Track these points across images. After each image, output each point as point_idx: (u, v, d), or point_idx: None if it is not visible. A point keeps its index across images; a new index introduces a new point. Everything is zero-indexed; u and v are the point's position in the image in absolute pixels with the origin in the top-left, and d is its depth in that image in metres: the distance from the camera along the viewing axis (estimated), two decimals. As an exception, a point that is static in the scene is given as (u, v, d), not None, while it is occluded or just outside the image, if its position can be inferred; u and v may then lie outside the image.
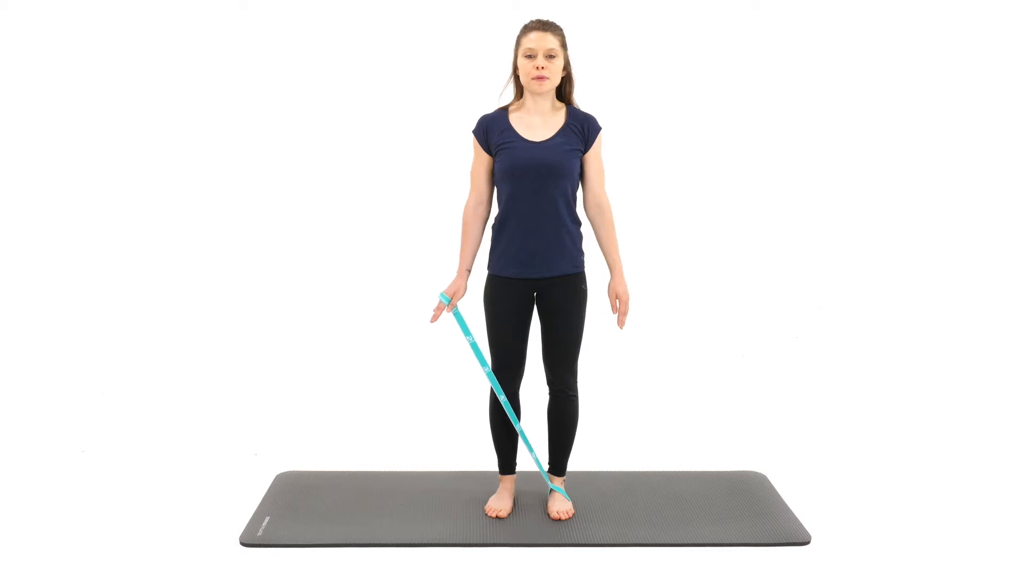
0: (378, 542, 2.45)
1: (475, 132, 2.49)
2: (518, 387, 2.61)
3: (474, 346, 2.53)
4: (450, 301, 2.51)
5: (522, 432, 2.62)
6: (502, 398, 2.55)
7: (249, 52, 4.25)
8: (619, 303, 2.54)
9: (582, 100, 2.53)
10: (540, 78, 2.38)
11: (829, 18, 4.34)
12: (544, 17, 2.44)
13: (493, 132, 2.45)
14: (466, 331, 2.53)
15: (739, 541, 2.46)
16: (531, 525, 2.56)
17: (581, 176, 2.51)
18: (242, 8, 4.24)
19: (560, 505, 2.62)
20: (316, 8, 4.25)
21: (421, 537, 2.47)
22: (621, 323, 2.55)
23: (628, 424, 3.45)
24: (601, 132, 2.48)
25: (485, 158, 2.49)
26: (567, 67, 2.46)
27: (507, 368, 2.56)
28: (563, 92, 2.49)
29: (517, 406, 2.63)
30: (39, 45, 4.19)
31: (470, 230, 2.53)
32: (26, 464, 3.02)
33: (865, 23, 4.34)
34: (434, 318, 2.53)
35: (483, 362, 2.54)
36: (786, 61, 4.36)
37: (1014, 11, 4.33)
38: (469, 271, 2.55)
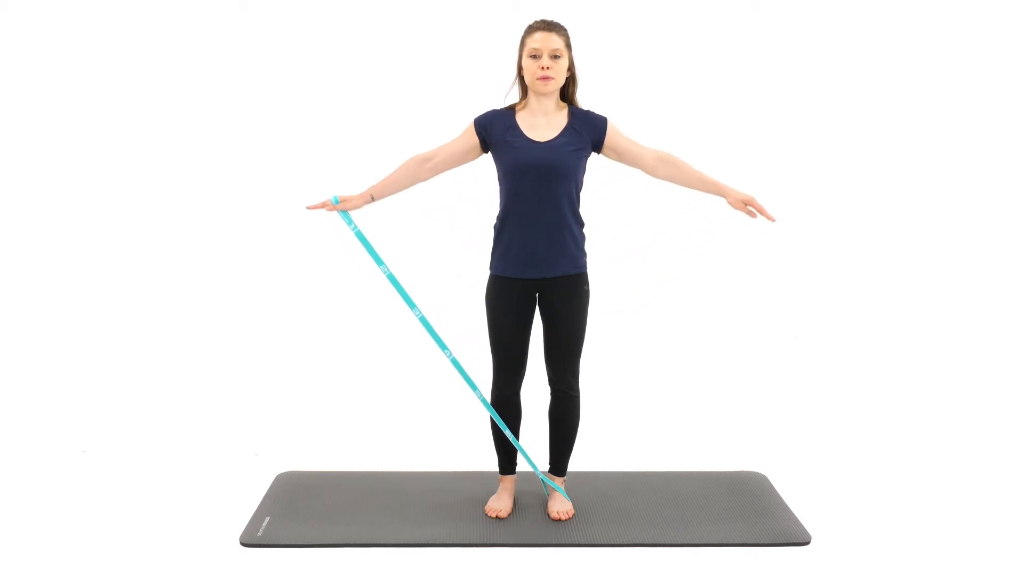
0: (378, 542, 2.45)
1: (477, 120, 2.48)
2: (519, 387, 2.61)
3: (391, 277, 2.48)
4: (339, 203, 2.47)
5: (513, 439, 2.61)
6: (448, 354, 2.52)
7: (249, 52, 4.25)
8: (752, 206, 2.47)
9: (585, 100, 2.53)
10: (545, 78, 2.38)
11: (829, 18, 4.34)
12: (548, 17, 2.44)
13: (496, 128, 2.45)
14: (375, 256, 2.48)
15: (739, 541, 2.46)
16: (531, 525, 2.56)
17: (623, 159, 2.49)
18: (242, 8, 4.24)
19: (560, 505, 2.62)
20: (317, 9, 4.25)
21: (421, 537, 2.47)
22: (770, 216, 2.45)
23: (628, 424, 3.45)
24: (610, 121, 2.48)
25: (468, 143, 2.47)
26: (571, 67, 2.46)
27: (508, 368, 2.56)
28: (567, 92, 2.49)
29: (518, 406, 2.63)
30: (38, 45, 4.19)
31: (402, 174, 2.51)
32: (26, 464, 3.01)
33: (865, 23, 4.34)
34: (312, 206, 2.49)
35: (403, 294, 2.49)
36: (786, 61, 4.36)
37: (1014, 11, 4.33)
38: (373, 199, 2.51)
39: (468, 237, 3.60)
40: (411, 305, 2.52)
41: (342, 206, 2.49)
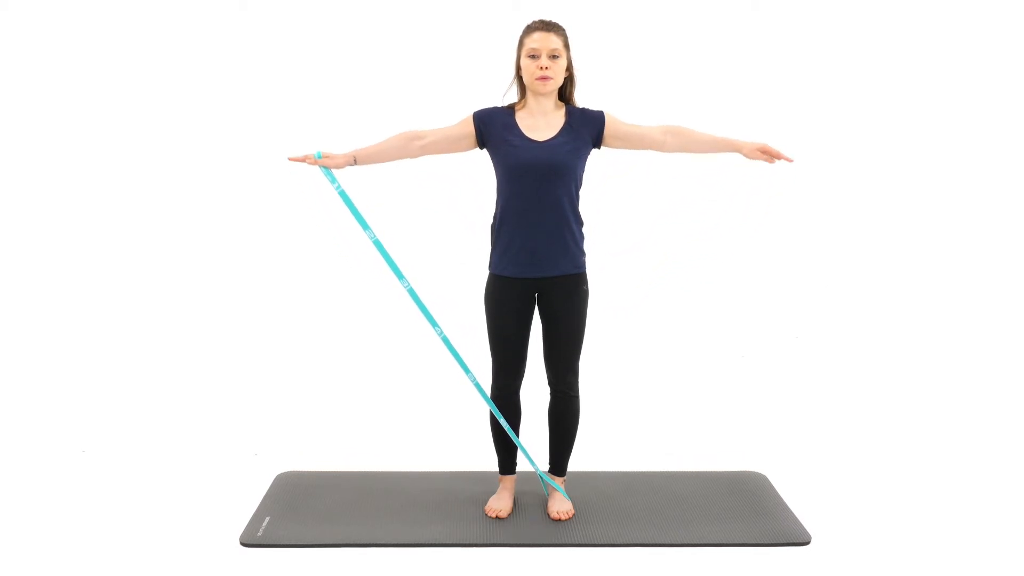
0: (378, 542, 2.45)
1: (476, 113, 2.48)
2: (519, 387, 2.61)
3: (376, 242, 2.45)
4: (321, 157, 2.44)
5: (516, 438, 2.61)
6: (439, 332, 2.51)
7: (249, 51, 4.25)
8: (767, 152, 2.47)
9: (584, 100, 2.53)
10: (544, 78, 2.38)
11: (829, 18, 4.34)
12: (546, 18, 2.44)
13: (495, 126, 2.44)
14: (360, 220, 2.44)
15: (739, 541, 2.46)
16: (531, 525, 2.56)
17: (631, 144, 2.49)
18: (242, 8, 4.24)
19: (560, 505, 2.62)
20: (316, 9, 4.24)
21: (421, 537, 2.47)
22: (788, 157, 2.47)
23: (628, 424, 3.45)
24: (606, 113, 2.47)
25: (463, 132, 2.47)
26: (570, 67, 2.46)
27: (508, 368, 2.56)
28: (565, 92, 2.49)
29: (518, 406, 2.63)
30: (36, 44, 4.19)
31: (390, 145, 2.49)
32: (26, 464, 3.01)
33: (865, 23, 4.34)
34: (293, 158, 2.46)
35: (391, 263, 2.46)
36: (785, 61, 4.36)
37: (1014, 11, 4.33)
38: (356, 162, 2.49)
39: (469, 234, 3.60)
40: (399, 276, 2.49)
41: (324, 162, 2.45)
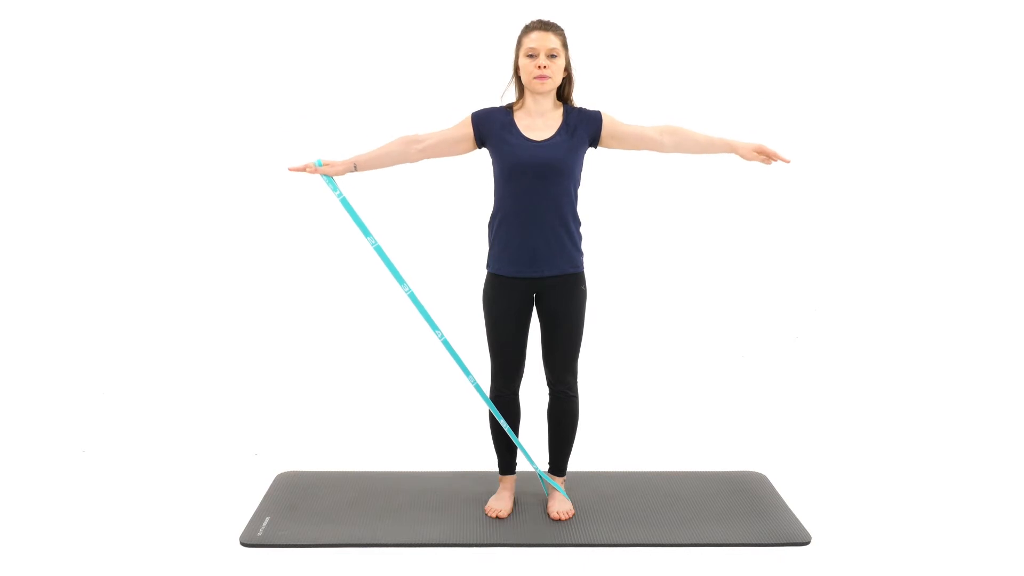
0: (378, 542, 2.45)
1: (474, 114, 2.48)
2: (518, 387, 2.61)
3: (377, 248, 2.46)
4: (322, 165, 2.46)
5: (515, 438, 2.61)
6: (440, 335, 2.52)
7: (248, 51, 4.25)
8: (764, 152, 2.48)
9: (582, 100, 2.53)
10: (542, 77, 2.38)
11: (829, 18, 4.34)
12: (545, 17, 2.44)
13: (494, 125, 2.45)
14: (361, 226, 2.46)
15: (739, 541, 2.46)
16: (531, 525, 2.56)
17: (629, 144, 2.50)
18: (242, 5, 4.23)
19: (560, 505, 2.62)
20: (315, 8, 4.24)
21: (421, 537, 2.47)
22: (786, 159, 2.48)
23: (628, 424, 3.45)
24: (603, 112, 2.48)
25: (461, 134, 2.47)
26: (568, 67, 2.46)
27: (507, 368, 2.56)
28: (563, 92, 2.49)
29: (517, 406, 2.63)
30: (32, 48, 4.19)
31: (389, 150, 2.50)
32: (26, 464, 3.02)
33: (865, 23, 4.34)
34: (293, 168, 2.48)
35: (392, 268, 2.47)
36: (785, 61, 4.36)
37: (1014, 11, 4.33)
38: (356, 168, 2.50)
39: (467, 233, 3.60)
40: (400, 281, 2.49)
41: (324, 170, 2.47)
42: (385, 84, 4.28)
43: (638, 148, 2.52)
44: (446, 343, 2.54)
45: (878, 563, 2.36)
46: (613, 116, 2.49)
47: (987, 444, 3.24)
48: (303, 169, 2.47)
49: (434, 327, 2.53)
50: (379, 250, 2.48)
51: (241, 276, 4.33)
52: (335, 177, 2.48)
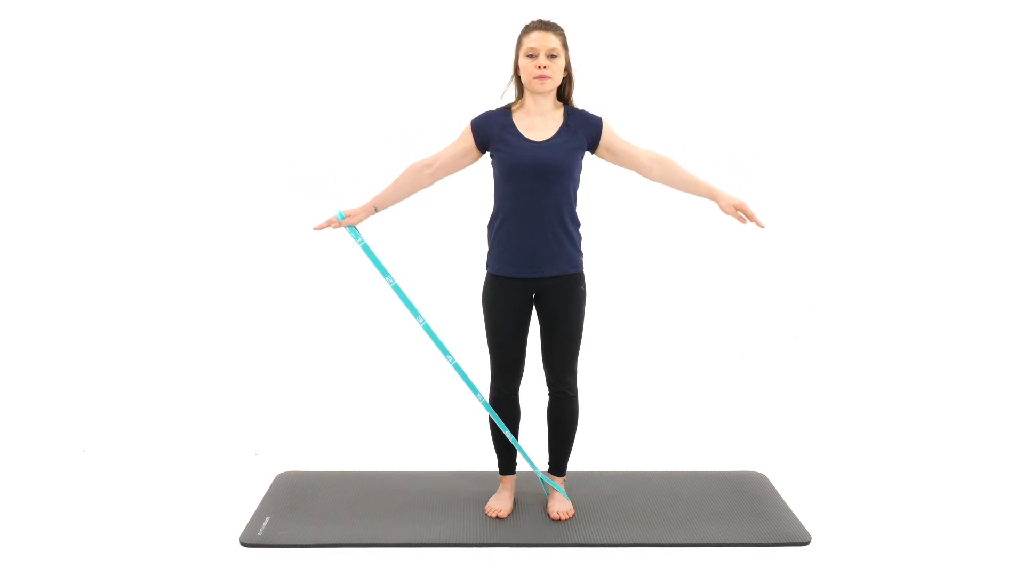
0: (378, 542, 2.45)
1: (473, 122, 2.48)
2: (518, 387, 2.61)
3: (396, 288, 2.50)
4: (344, 218, 2.50)
5: (514, 440, 2.61)
6: (451, 360, 2.55)
7: (248, 50, 4.25)
8: (742, 212, 2.48)
9: (582, 100, 2.53)
10: (542, 77, 2.38)
11: (829, 19, 4.34)
12: (545, 17, 2.44)
13: (493, 128, 2.45)
14: (379, 267, 2.51)
15: (739, 541, 2.46)
16: (531, 525, 2.56)
17: (619, 161, 2.51)
18: (241, 6, 4.23)
19: (560, 505, 2.62)
20: (315, 7, 4.24)
21: (421, 537, 2.47)
22: (760, 223, 2.47)
23: (628, 424, 3.45)
24: (604, 121, 2.48)
25: (466, 146, 2.48)
26: (568, 67, 2.46)
27: (506, 368, 2.56)
28: (563, 92, 2.49)
29: (517, 407, 2.63)
30: (31, 41, 4.19)
31: (403, 182, 2.53)
32: (26, 464, 3.02)
33: (864, 24, 4.34)
34: (319, 226, 2.52)
35: (407, 303, 2.51)
36: (784, 62, 4.36)
37: (1014, 11, 4.33)
38: (376, 210, 2.54)
39: (467, 234, 3.60)
40: (415, 314, 2.53)
41: (347, 221, 2.51)
42: (385, 84, 4.28)
43: (626, 167, 2.54)
44: (458, 368, 2.57)
45: (878, 563, 2.36)
46: (613, 129, 2.49)
47: (987, 444, 3.24)
48: (327, 225, 2.51)
49: (447, 354, 2.55)
50: (396, 289, 2.52)
51: (241, 276, 4.34)
52: (359, 220, 2.52)
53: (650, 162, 2.51)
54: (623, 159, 2.51)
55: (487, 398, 2.61)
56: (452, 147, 2.51)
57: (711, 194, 2.51)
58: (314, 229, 2.54)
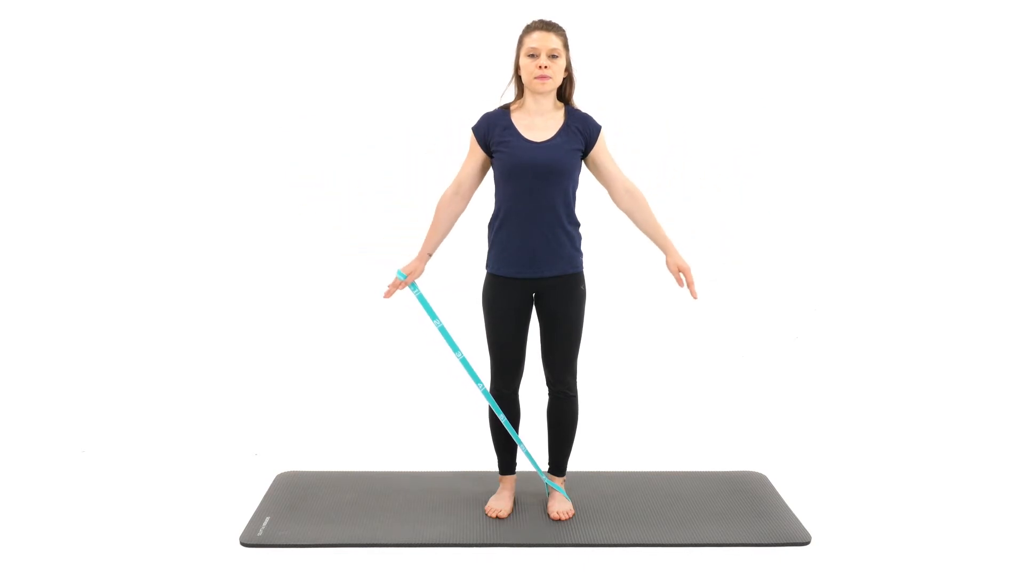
0: (378, 542, 2.45)
1: (474, 129, 2.49)
2: (517, 387, 2.61)
3: (442, 329, 2.54)
4: (406, 277, 2.51)
5: (516, 435, 2.61)
6: (479, 385, 2.56)
7: (247, 50, 4.25)
8: (684, 276, 2.53)
9: (582, 101, 2.53)
10: (543, 77, 2.38)
11: (829, 19, 4.34)
12: (546, 17, 2.44)
13: (494, 130, 2.45)
14: (431, 313, 2.54)
15: (739, 541, 2.46)
16: (531, 525, 2.56)
17: (598, 175, 2.52)
18: (241, 8, 4.23)
19: (560, 505, 2.62)
20: (315, 7, 4.24)
21: (421, 537, 2.47)
22: (694, 293, 2.53)
23: (628, 424, 3.45)
24: (602, 129, 2.49)
25: (479, 156, 2.49)
26: (568, 68, 2.46)
27: (506, 368, 2.56)
28: (563, 93, 2.50)
29: (517, 406, 2.63)
30: (29, 40, 4.20)
31: (441, 217, 2.53)
32: (26, 464, 3.02)
33: (864, 24, 4.34)
34: (387, 293, 2.55)
35: (454, 347, 2.55)
36: (784, 62, 4.36)
37: (1014, 11, 4.33)
38: (430, 255, 2.56)
39: (465, 235, 3.61)
40: (455, 349, 2.56)
41: (410, 278, 2.52)
42: (385, 84, 4.28)
43: (601, 183, 2.55)
44: (487, 394, 2.58)
45: (878, 563, 2.36)
46: (605, 143, 2.50)
47: (987, 444, 3.25)
48: (395, 289, 2.53)
49: (478, 381, 2.57)
50: (443, 330, 2.55)
51: (241, 277, 4.33)
52: (420, 274, 2.55)
53: (623, 191, 2.52)
54: (602, 174, 2.52)
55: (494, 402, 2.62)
56: (467, 163, 2.52)
57: (664, 247, 2.56)
58: (384, 297, 2.56)
